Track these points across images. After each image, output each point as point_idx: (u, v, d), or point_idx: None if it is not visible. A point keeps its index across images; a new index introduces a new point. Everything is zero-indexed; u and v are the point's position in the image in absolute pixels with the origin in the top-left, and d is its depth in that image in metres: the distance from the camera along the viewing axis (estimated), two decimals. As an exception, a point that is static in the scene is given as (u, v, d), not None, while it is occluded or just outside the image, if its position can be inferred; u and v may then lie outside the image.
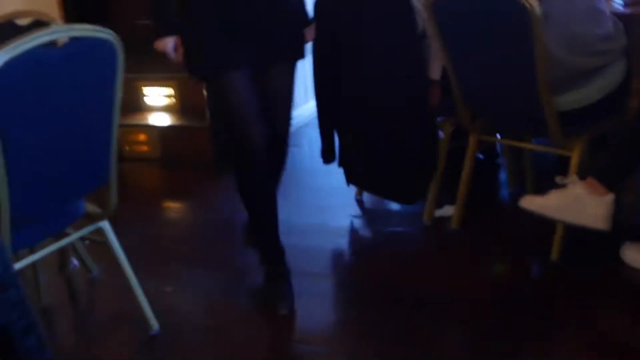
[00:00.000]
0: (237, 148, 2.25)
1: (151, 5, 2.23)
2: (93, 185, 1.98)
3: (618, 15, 2.40)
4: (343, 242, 2.83)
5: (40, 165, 1.73)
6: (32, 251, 2.07)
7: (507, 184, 3.14)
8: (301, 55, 2.36)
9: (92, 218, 2.07)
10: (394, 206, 3.05)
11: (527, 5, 2.11)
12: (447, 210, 2.84)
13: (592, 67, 2.29)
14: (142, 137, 3.93)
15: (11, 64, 1.52)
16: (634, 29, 2.40)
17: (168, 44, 2.20)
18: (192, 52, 2.21)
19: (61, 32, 1.70)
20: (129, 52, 4.21)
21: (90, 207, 2.08)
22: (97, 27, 1.76)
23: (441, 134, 2.81)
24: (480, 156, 3.41)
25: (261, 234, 2.41)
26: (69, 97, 1.72)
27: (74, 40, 1.71)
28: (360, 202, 3.13)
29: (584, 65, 2.27)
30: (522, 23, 2.14)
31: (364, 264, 2.67)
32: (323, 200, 3.15)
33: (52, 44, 1.68)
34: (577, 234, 2.35)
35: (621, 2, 2.56)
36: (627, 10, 2.50)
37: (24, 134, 1.64)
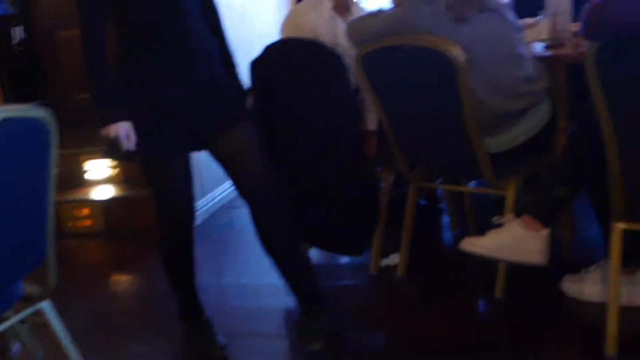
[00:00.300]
0: (162, 213, 2.28)
1: (95, 90, 2.07)
2: (30, 266, 1.91)
3: (539, 58, 2.50)
4: (294, 301, 2.81)
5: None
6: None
7: (450, 227, 3.18)
8: (244, 116, 2.29)
9: (31, 299, 2.00)
10: (342, 259, 3.05)
11: (451, 55, 2.18)
12: (393, 259, 2.85)
13: (518, 108, 2.36)
14: (85, 211, 3.86)
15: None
16: (555, 71, 2.50)
17: (120, 129, 2.03)
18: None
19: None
20: (69, 127, 4.17)
21: (29, 288, 2.00)
22: (29, 107, 1.73)
23: (382, 184, 2.85)
24: (422, 202, 3.46)
25: (182, 292, 2.40)
26: (2, 177, 1.68)
27: (6, 120, 1.68)
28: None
29: (510, 107, 2.34)
30: (447, 71, 2.21)
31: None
32: (272, 260, 3.13)
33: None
34: (519, 271, 2.39)
35: (542, 45, 2.66)
36: (548, 53, 2.60)
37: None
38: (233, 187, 2.33)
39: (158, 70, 2.11)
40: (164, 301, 2.91)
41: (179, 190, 2.23)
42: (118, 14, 2.10)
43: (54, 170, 1.82)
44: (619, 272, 2.09)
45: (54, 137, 1.78)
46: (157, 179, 2.22)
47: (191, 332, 2.40)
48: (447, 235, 3.22)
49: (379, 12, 2.35)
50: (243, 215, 2.82)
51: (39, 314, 2.03)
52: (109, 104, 2.05)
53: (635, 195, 1.98)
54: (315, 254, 3.12)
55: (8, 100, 4.95)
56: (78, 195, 3.94)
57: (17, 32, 5.33)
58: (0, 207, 1.70)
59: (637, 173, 1.92)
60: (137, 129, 2.07)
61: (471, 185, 3.09)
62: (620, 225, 2.04)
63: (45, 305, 2.01)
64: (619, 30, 1.68)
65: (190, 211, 2.29)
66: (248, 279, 2.93)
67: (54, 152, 1.80)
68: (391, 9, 2.35)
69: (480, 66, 2.24)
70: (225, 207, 3.86)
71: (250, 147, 2.24)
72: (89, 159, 4.00)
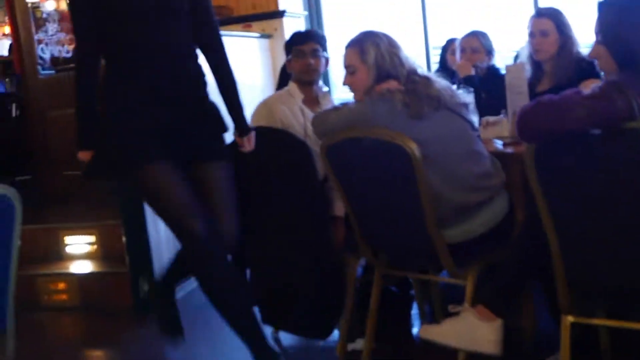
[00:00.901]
0: (185, 247, 2.34)
1: (77, 117, 2.38)
2: (-12, 336, 1.97)
3: (498, 154, 2.62)
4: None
5: None
6: None
7: (419, 315, 3.22)
8: (224, 156, 2.53)
9: (-13, 370, 2.03)
10: (311, 342, 3.07)
11: (408, 149, 2.29)
12: (359, 344, 2.87)
13: (475, 202, 2.45)
14: (61, 285, 3.88)
15: None
16: (512, 166, 2.61)
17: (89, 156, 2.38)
18: (114, 150, 2.36)
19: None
20: (52, 202, 4.28)
21: (-14, 359, 2.05)
22: (-5, 183, 1.84)
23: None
24: (394, 289, 3.51)
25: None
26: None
27: (-29, 195, 1.79)
28: (277, 340, 3.14)
29: (468, 200, 2.43)
30: (404, 165, 2.30)
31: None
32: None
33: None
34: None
35: (501, 142, 2.79)
36: (508, 150, 2.72)
37: None
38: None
39: (142, 87, 2.35)
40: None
41: (183, 206, 2.28)
42: (111, 35, 2.36)
43: (17, 245, 1.90)
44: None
45: (18, 213, 1.87)
46: (152, 188, 2.32)
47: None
48: (417, 323, 3.25)
49: (343, 106, 2.48)
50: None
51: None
52: (85, 132, 2.39)
53: (579, 289, 2.05)
54: (283, 336, 3.14)
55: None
56: (56, 269, 3.97)
57: (14, 109, 5.53)
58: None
59: (579, 268, 2.00)
60: (124, 138, 2.34)
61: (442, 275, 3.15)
62: (569, 319, 2.10)
63: (2, 378, 2.05)
64: (544, 133, 1.80)
65: (204, 231, 2.28)
66: (215, 360, 2.95)
67: (18, 227, 1.88)
68: (353, 104, 2.49)
69: (437, 162, 2.34)
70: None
71: (220, 184, 2.46)
72: (70, 234, 4.06)
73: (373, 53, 2.40)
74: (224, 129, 2.58)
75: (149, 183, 2.30)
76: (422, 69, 2.47)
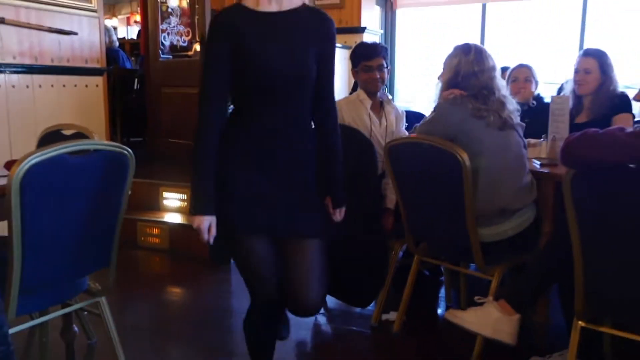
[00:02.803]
0: (252, 301, 1.95)
1: (194, 176, 1.79)
2: (96, 266, 2.00)
3: (534, 172, 2.51)
4: (306, 335, 2.80)
5: (53, 246, 1.76)
6: (42, 314, 2.07)
7: (445, 298, 3.14)
8: (321, 235, 1.91)
9: (92, 293, 2.07)
10: (351, 308, 3.04)
11: (460, 159, 2.22)
12: (392, 315, 2.83)
13: (513, 208, 2.36)
14: (155, 230, 3.96)
15: (41, 163, 1.61)
16: (546, 184, 2.50)
17: (204, 222, 1.78)
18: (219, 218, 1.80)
19: (87, 144, 1.79)
20: (156, 162, 4.30)
21: (92, 285, 2.09)
22: (116, 144, 1.85)
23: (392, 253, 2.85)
24: (427, 272, 3.43)
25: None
26: (85, 195, 1.78)
27: (96, 151, 1.80)
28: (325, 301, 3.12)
29: (507, 206, 2.35)
30: (455, 171, 2.24)
31: (320, 356, 2.63)
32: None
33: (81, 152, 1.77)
34: (495, 347, 2.34)
35: (538, 162, 2.67)
36: (545, 170, 2.59)
37: (43, 221, 1.70)
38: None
39: (260, 144, 1.80)
40: (206, 316, 2.95)
41: (267, 279, 1.86)
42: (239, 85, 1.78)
43: (128, 193, 1.92)
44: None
45: (132, 168, 1.88)
46: (243, 257, 1.87)
47: None
48: (442, 305, 3.17)
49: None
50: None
51: (97, 306, 2.12)
52: (200, 196, 1.79)
53: (593, 301, 1.94)
54: (329, 299, 3.11)
55: (116, 133, 5.20)
56: (153, 217, 4.05)
57: (136, 83, 5.65)
58: (81, 218, 1.81)
59: (597, 283, 1.88)
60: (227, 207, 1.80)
61: (471, 268, 3.06)
62: (580, 323, 2.00)
63: (102, 300, 2.09)
64: (585, 162, 1.69)
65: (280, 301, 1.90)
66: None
67: (130, 179, 1.90)
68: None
69: (487, 172, 2.28)
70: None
71: (309, 261, 1.88)
72: (168, 190, 4.12)
73: None
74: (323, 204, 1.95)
75: (240, 253, 1.87)
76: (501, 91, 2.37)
